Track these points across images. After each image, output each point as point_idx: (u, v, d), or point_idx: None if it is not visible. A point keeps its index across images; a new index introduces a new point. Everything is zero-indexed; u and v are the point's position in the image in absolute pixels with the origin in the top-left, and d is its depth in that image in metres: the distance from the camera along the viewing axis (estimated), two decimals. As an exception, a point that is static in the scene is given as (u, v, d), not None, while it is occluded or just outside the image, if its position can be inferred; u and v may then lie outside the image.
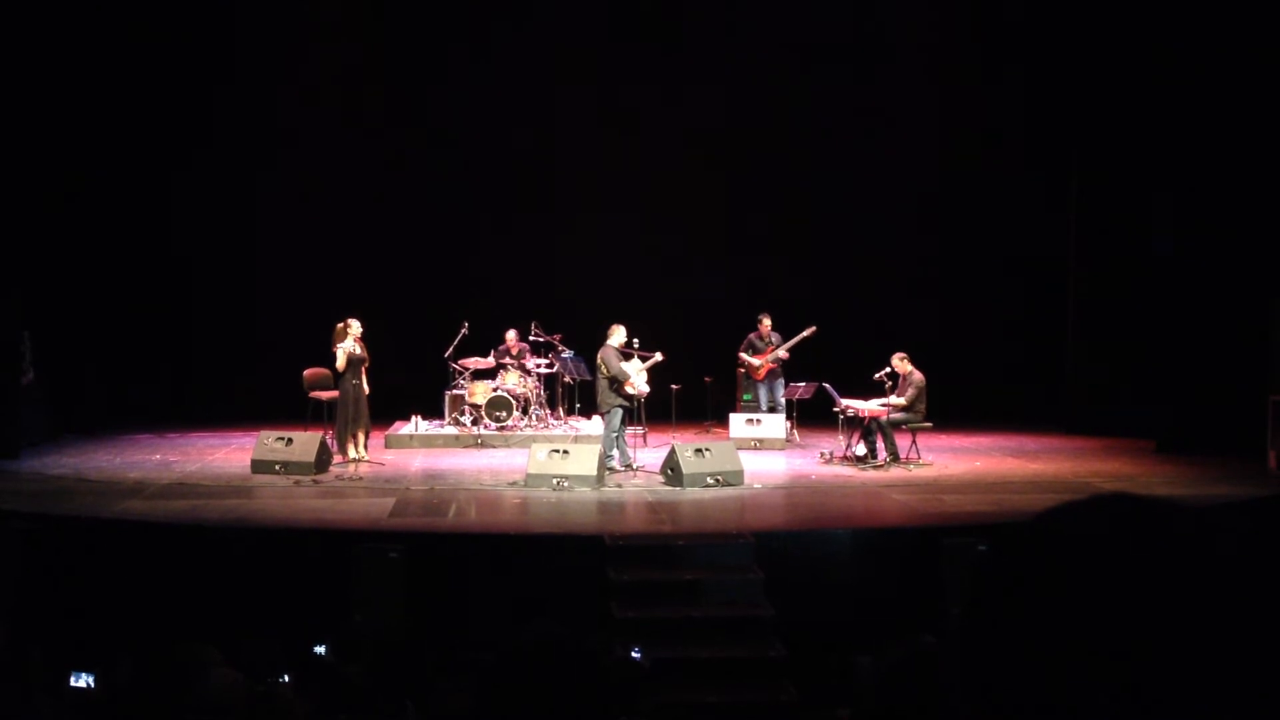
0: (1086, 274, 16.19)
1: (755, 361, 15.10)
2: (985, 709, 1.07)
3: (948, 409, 14.36)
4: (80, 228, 15.28)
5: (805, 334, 14.89)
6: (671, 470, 12.02)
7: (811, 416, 15.23)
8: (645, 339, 13.20)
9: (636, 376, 12.87)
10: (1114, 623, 1.01)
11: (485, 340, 15.27)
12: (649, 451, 13.35)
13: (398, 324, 15.79)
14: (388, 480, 12.15)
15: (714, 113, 17.46)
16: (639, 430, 13.82)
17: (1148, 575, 1.02)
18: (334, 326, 12.89)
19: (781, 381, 15.07)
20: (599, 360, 12.91)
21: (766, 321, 15.21)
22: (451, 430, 14.88)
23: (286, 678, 6.18)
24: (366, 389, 12.90)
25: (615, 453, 12.80)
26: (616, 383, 12.72)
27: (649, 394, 13.20)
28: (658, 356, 13.04)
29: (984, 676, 1.07)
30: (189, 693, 4.63)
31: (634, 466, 12.76)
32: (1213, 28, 13.75)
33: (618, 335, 12.90)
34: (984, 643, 1.07)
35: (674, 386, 13.52)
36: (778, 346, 15.02)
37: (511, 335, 15.34)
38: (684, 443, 12.48)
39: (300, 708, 5.69)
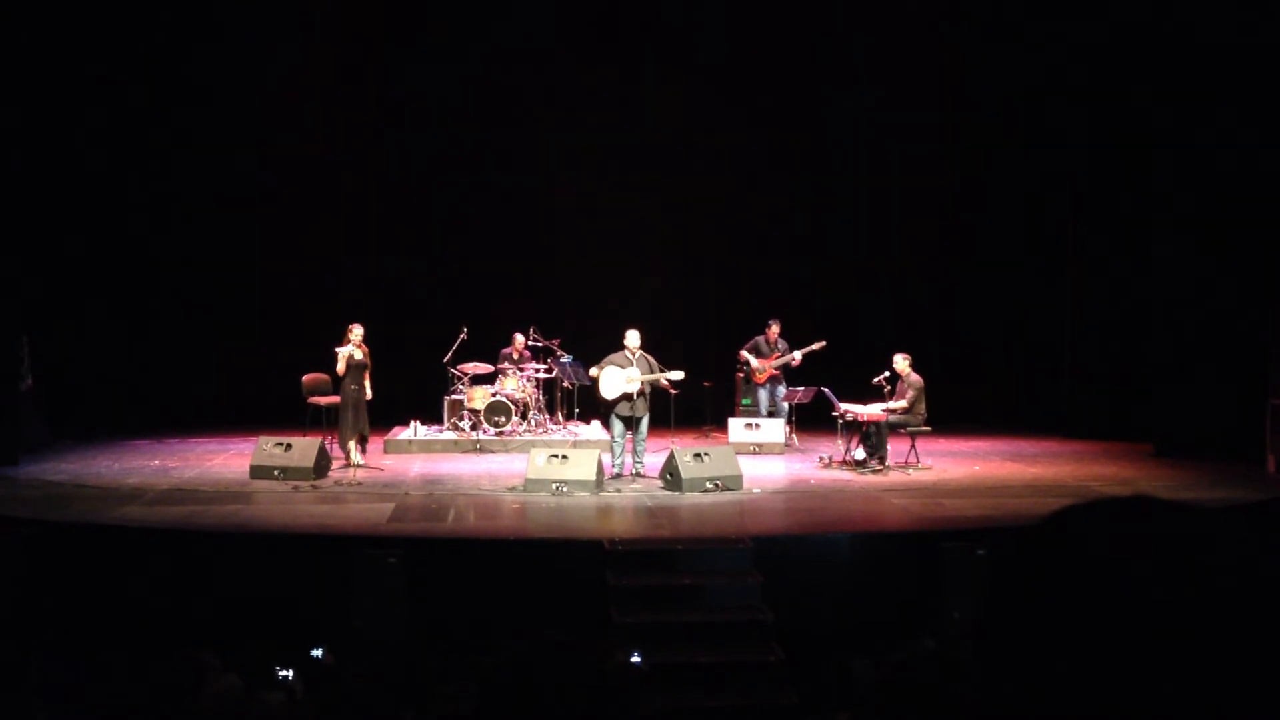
0: (1085, 277, 16.21)
1: (756, 365, 15.08)
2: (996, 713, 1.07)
3: (946, 413, 14.36)
4: (79, 233, 15.28)
5: (814, 347, 14.84)
6: (670, 475, 12.01)
7: (810, 421, 15.23)
8: (646, 344, 13.16)
9: (607, 382, 12.75)
10: (1125, 626, 1.02)
11: (486, 344, 15.26)
12: (648, 456, 13.33)
13: (397, 329, 15.79)
14: (387, 485, 12.14)
15: (715, 114, 17.48)
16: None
17: (1162, 579, 1.02)
18: (334, 331, 12.90)
19: (782, 386, 15.06)
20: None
21: (775, 328, 15.18)
22: (450, 435, 14.87)
23: (288, 678, 6.17)
24: (369, 394, 12.88)
25: (608, 456, 12.82)
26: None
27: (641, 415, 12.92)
28: (669, 375, 12.82)
29: (997, 680, 1.07)
30: (189, 700, 4.63)
31: (620, 475, 12.74)
32: (1213, 28, 13.76)
33: (626, 339, 12.84)
34: (996, 647, 1.08)
35: (672, 391, 13.49)
36: (784, 354, 14.98)
37: (519, 338, 15.33)
38: (683, 447, 12.47)
39: (299, 712, 5.68)
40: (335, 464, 12.84)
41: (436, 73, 17.38)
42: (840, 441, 13.65)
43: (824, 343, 14.81)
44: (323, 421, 13.84)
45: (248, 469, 12.43)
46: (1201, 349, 13.96)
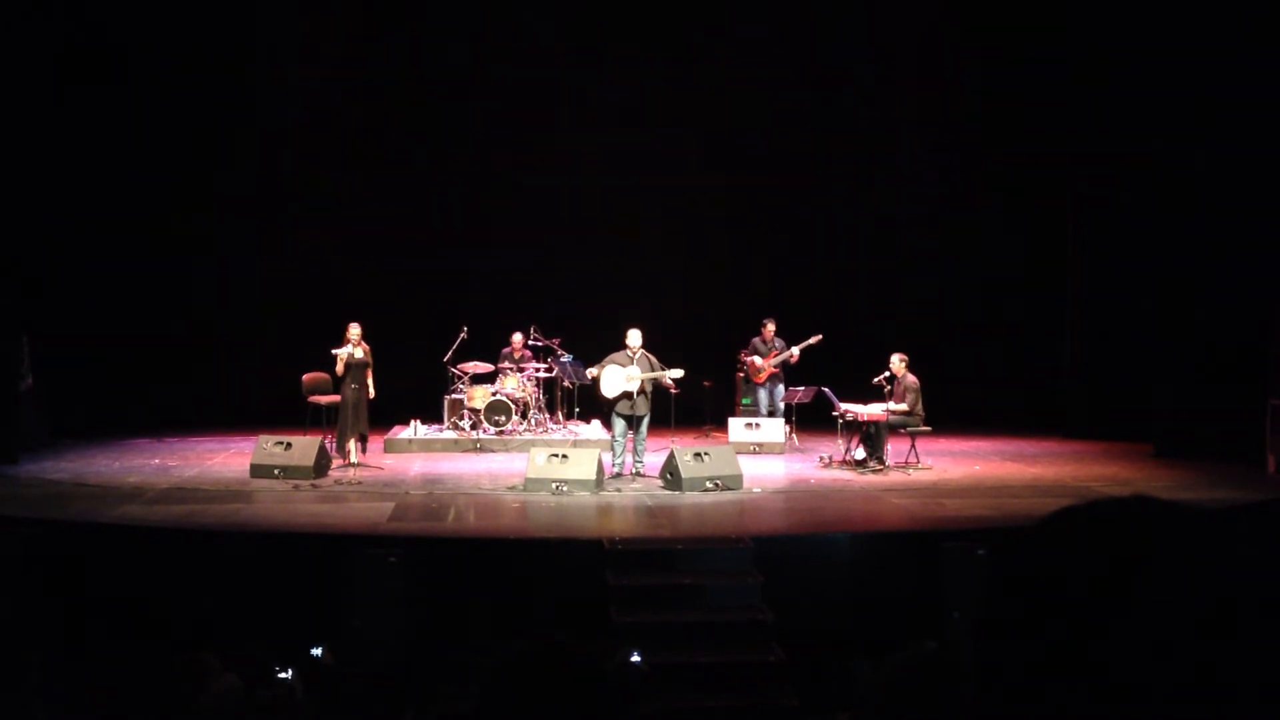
0: (1085, 277, 16.21)
1: (759, 361, 15.06)
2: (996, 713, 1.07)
3: (947, 413, 14.36)
4: (79, 232, 15.30)
5: (811, 341, 14.86)
6: (670, 474, 12.01)
7: (811, 421, 15.22)
8: (646, 344, 13.16)
9: (608, 381, 12.74)
10: (1125, 626, 1.02)
11: (486, 344, 15.26)
12: (648, 455, 13.33)
13: (397, 328, 15.77)
14: (386, 485, 12.14)
15: (714, 117, 17.49)
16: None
17: (1162, 579, 1.03)
18: (334, 331, 12.91)
19: (782, 386, 15.06)
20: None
21: (771, 327, 15.19)
22: (450, 435, 14.87)
23: (288, 678, 6.17)
24: (371, 393, 12.87)
25: (608, 455, 12.82)
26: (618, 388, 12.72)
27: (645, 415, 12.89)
28: (670, 373, 12.80)
29: (997, 680, 1.07)
30: (189, 700, 4.63)
31: (621, 474, 12.73)
32: (1213, 31, 13.75)
33: (628, 339, 12.83)
34: (997, 647, 1.08)
35: (673, 390, 13.54)
36: (781, 352, 14.99)
37: (518, 338, 15.33)
38: (683, 447, 12.46)
39: (299, 712, 5.68)
40: (335, 463, 12.84)
41: (438, 73, 17.37)
42: (840, 441, 13.65)
43: (820, 336, 14.82)
44: (323, 421, 13.83)
45: (248, 468, 12.43)
46: (1201, 349, 13.95)
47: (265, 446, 12.47)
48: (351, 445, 12.92)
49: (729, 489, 11.82)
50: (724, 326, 16.20)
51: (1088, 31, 15.60)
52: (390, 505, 11.02)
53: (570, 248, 17.30)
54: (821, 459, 13.78)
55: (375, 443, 13.68)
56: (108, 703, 6.02)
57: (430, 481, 12.39)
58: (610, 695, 1.92)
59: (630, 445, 12.85)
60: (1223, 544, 1.06)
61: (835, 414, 13.55)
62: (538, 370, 15.23)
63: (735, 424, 15.00)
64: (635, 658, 7.76)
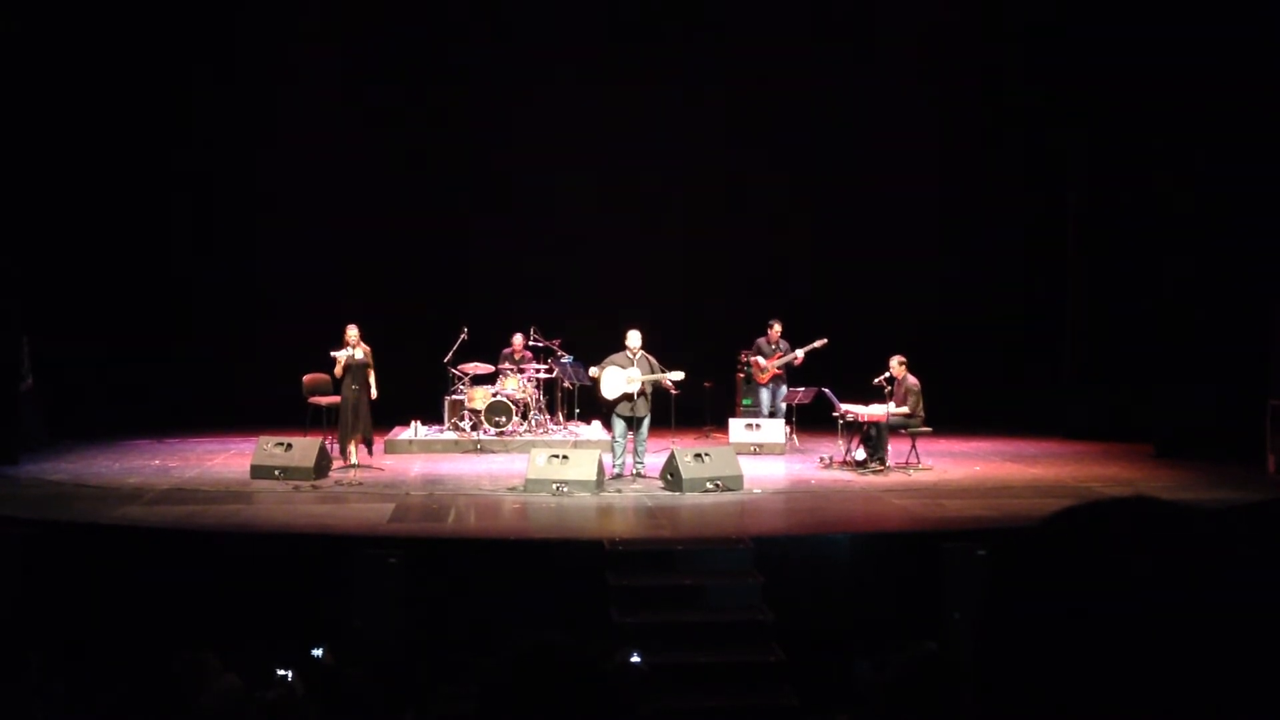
0: (1085, 277, 16.21)
1: (763, 362, 15.04)
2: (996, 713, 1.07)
3: (947, 413, 14.35)
4: (79, 232, 15.30)
5: (816, 345, 14.83)
6: (671, 475, 12.01)
7: (811, 421, 15.22)
8: (646, 344, 13.15)
9: (608, 383, 12.74)
10: (1126, 627, 1.02)
11: (487, 345, 15.25)
12: (648, 456, 13.33)
13: (397, 329, 15.78)
14: (387, 485, 12.14)
15: (714, 115, 17.50)
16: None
17: (1163, 579, 1.03)
18: (334, 331, 12.91)
19: (784, 387, 15.04)
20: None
21: (776, 328, 15.16)
22: (451, 435, 14.87)
23: (287, 678, 6.18)
24: (373, 393, 12.86)
25: (609, 456, 12.81)
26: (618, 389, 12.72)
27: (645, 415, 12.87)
28: (670, 375, 12.78)
29: (998, 680, 1.07)
30: (189, 700, 4.63)
31: (621, 475, 12.71)
32: (1214, 28, 13.76)
33: (627, 339, 12.82)
34: (997, 647, 1.08)
35: (674, 392, 13.54)
36: (785, 353, 14.97)
37: (518, 339, 15.33)
38: (683, 448, 12.46)
39: (299, 712, 5.69)
40: (335, 464, 12.84)
41: (439, 75, 17.37)
42: (841, 442, 13.64)
43: (825, 340, 14.80)
44: (323, 421, 13.83)
45: (248, 469, 12.43)
46: (1201, 349, 13.95)
47: (265, 447, 12.47)
48: (352, 447, 12.92)
49: (729, 490, 11.81)
50: (725, 327, 16.19)
51: (1090, 31, 15.59)
52: (390, 506, 11.03)
53: (571, 248, 17.30)
54: (822, 460, 13.78)
55: (376, 443, 13.68)
56: (108, 703, 6.03)
57: (430, 482, 12.39)
58: (610, 695, 1.92)
59: (630, 446, 12.85)
60: (1223, 544, 1.06)
61: (835, 415, 13.54)
62: (538, 371, 15.22)
63: (735, 425, 15.00)
64: (635, 658, 7.76)
